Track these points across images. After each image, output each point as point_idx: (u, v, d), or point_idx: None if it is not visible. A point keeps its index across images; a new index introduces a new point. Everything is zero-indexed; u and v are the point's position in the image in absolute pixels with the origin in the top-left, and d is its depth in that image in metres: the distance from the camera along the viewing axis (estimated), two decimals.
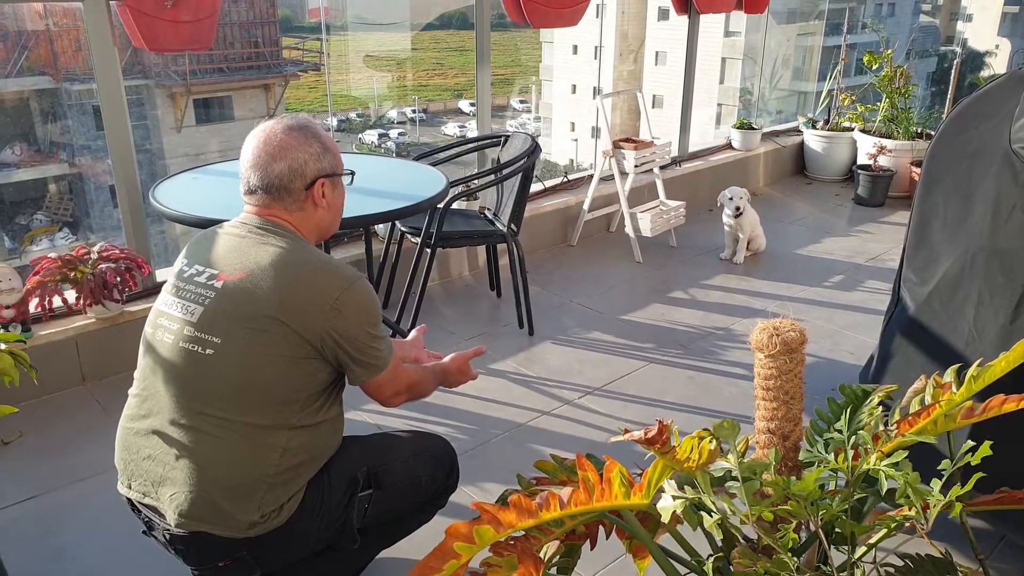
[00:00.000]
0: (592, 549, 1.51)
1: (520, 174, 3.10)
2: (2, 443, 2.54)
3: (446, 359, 1.89)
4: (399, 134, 21.74)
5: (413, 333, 2.01)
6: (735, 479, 1.02)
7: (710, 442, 1.25)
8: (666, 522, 1.07)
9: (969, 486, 1.01)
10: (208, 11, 2.84)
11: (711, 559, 1.35)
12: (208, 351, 1.50)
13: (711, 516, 1.00)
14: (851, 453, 1.04)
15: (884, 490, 1.01)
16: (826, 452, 1.09)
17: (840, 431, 1.10)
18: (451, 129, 22.17)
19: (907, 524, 1.12)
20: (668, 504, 1.07)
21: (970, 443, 1.07)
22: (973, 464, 1.03)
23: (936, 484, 1.00)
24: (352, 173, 1.73)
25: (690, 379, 2.99)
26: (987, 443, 1.03)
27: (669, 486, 1.08)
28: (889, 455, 1.04)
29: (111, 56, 2.78)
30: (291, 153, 1.59)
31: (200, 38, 2.88)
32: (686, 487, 1.06)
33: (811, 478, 0.98)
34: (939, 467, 1.05)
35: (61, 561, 2.06)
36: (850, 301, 3.69)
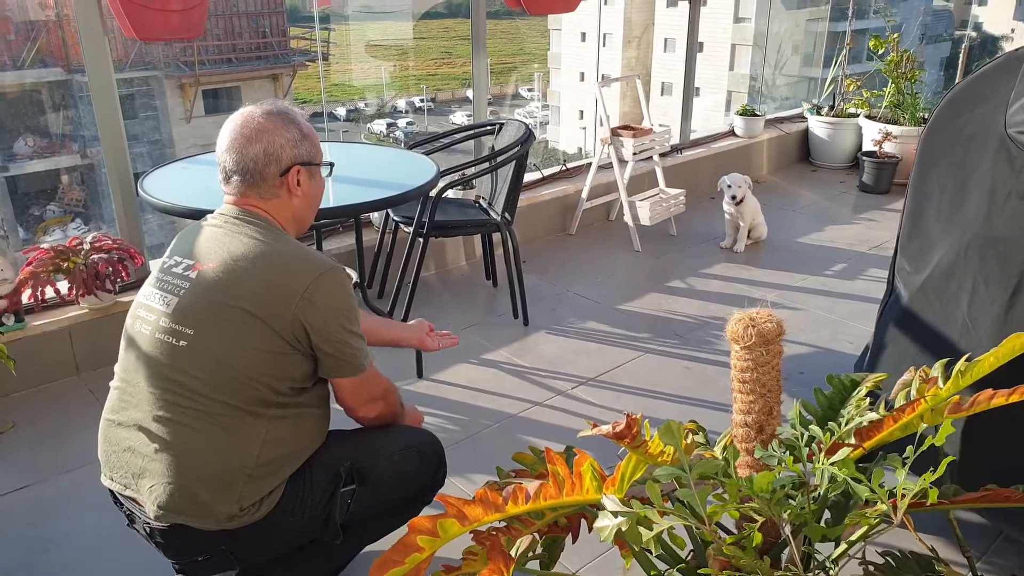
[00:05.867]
0: (574, 543, 1.49)
1: (514, 162, 3.07)
2: None
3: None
4: (407, 123, 21.70)
5: (414, 322, 1.99)
6: (685, 485, 0.98)
7: (686, 435, 1.23)
8: (604, 541, 0.99)
9: (939, 473, 0.97)
10: (198, 0, 2.82)
11: (687, 555, 1.33)
12: (182, 342, 1.48)
13: (650, 531, 0.95)
14: (805, 452, 1.00)
15: (824, 488, 0.98)
16: (781, 451, 1.06)
17: (794, 427, 1.07)
18: (459, 118, 22.07)
19: (892, 522, 1.09)
20: (607, 524, 1.00)
21: (923, 425, 1.04)
22: (938, 445, 0.99)
23: (901, 474, 0.97)
24: (331, 164, 1.70)
25: (686, 369, 2.96)
26: (947, 420, 0.99)
27: (610, 502, 1.01)
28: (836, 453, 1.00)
29: (101, 46, 2.76)
30: (267, 136, 1.56)
31: (190, 27, 2.85)
32: (633, 501, 1.00)
33: (764, 478, 0.95)
34: (903, 455, 1.02)
35: (47, 552, 2.07)
36: (852, 290, 3.64)
